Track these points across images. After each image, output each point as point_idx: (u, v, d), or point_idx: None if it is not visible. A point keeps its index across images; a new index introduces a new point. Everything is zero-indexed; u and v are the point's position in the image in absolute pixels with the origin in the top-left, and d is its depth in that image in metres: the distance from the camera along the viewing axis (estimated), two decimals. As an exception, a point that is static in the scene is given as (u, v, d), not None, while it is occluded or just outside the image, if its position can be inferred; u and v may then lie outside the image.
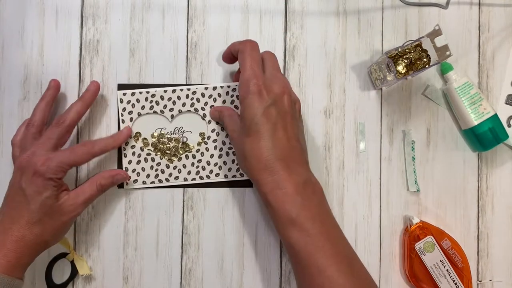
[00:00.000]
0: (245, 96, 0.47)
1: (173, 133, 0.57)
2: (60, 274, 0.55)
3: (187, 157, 0.57)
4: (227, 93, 0.57)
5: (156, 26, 0.58)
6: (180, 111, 0.57)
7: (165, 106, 0.57)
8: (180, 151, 0.57)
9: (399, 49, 0.52)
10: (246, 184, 0.57)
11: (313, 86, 0.59)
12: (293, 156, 0.47)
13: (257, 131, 0.46)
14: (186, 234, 0.57)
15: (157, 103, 0.57)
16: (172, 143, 0.57)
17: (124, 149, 0.56)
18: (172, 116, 0.57)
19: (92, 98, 0.54)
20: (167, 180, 0.57)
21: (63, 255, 0.55)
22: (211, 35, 0.58)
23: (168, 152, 0.57)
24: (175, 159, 0.57)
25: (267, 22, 0.59)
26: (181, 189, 0.57)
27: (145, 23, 0.58)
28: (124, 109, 0.56)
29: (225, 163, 0.57)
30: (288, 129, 0.47)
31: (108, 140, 0.53)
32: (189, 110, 0.57)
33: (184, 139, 0.57)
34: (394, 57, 0.52)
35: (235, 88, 0.57)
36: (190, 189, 0.57)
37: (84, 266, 0.55)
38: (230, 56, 0.53)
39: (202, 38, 0.58)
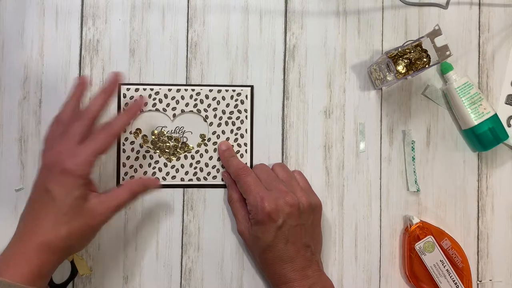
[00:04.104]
0: (256, 221, 0.51)
1: (174, 132, 0.57)
2: (60, 274, 0.55)
3: (185, 157, 0.57)
4: (232, 97, 0.57)
5: (156, 26, 0.58)
6: (182, 111, 0.57)
7: (168, 105, 0.57)
8: (179, 151, 0.57)
9: (399, 49, 0.52)
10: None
11: (313, 86, 0.59)
12: (304, 264, 0.51)
13: (270, 251, 0.51)
14: (186, 234, 0.57)
15: (160, 100, 0.57)
16: (172, 142, 0.57)
17: (124, 144, 0.56)
18: (174, 115, 0.57)
19: (113, 89, 0.50)
20: (164, 178, 0.57)
21: (63, 255, 0.55)
22: (211, 35, 0.58)
23: (167, 151, 0.57)
24: (174, 159, 0.57)
25: (267, 22, 0.59)
26: (181, 189, 0.57)
27: (145, 23, 0.58)
28: (126, 104, 0.57)
29: (223, 166, 0.57)
30: (297, 242, 0.51)
31: (123, 116, 0.50)
32: (192, 111, 0.57)
33: (184, 139, 0.57)
34: (394, 57, 0.52)
35: (240, 93, 0.57)
36: (190, 189, 0.57)
37: (84, 266, 0.55)
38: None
39: (202, 38, 0.58)
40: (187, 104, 0.57)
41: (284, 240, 0.50)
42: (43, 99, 0.57)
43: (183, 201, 0.57)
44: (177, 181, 0.57)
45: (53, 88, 0.57)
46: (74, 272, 0.55)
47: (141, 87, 0.57)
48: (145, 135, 0.57)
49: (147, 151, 0.57)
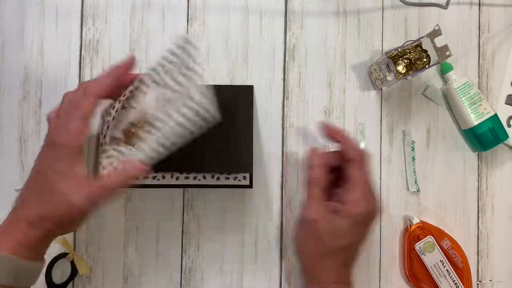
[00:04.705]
0: (349, 215, 0.47)
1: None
2: (60, 274, 0.55)
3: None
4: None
5: (156, 26, 0.58)
6: None
7: None
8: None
9: (399, 49, 0.52)
10: (245, 185, 0.57)
11: (313, 86, 0.59)
12: (351, 272, 0.50)
13: (344, 251, 0.49)
14: (186, 234, 0.57)
15: None
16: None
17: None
18: None
19: (121, 72, 0.43)
20: (163, 177, 0.53)
21: (63, 255, 0.55)
22: (211, 35, 0.58)
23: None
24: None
25: (267, 22, 0.59)
26: (181, 189, 0.57)
27: (145, 23, 0.58)
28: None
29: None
30: (360, 249, 0.50)
31: (103, 79, 0.42)
32: None
33: None
34: (394, 57, 0.52)
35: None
36: (190, 189, 0.57)
37: (84, 266, 0.55)
38: (330, 137, 0.52)
39: (202, 38, 0.58)
40: None
41: (359, 245, 0.50)
42: (43, 99, 0.57)
43: (183, 201, 0.57)
44: (180, 182, 0.54)
45: (53, 88, 0.57)
46: (74, 272, 0.55)
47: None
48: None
49: None
